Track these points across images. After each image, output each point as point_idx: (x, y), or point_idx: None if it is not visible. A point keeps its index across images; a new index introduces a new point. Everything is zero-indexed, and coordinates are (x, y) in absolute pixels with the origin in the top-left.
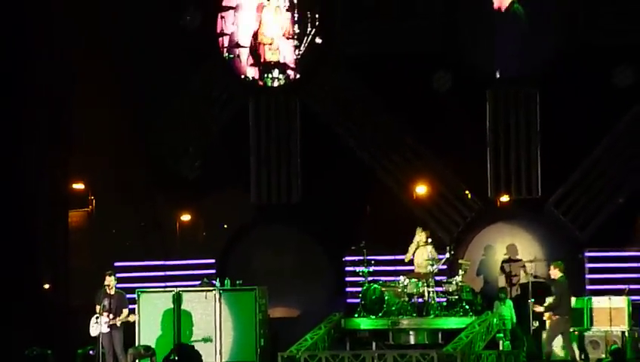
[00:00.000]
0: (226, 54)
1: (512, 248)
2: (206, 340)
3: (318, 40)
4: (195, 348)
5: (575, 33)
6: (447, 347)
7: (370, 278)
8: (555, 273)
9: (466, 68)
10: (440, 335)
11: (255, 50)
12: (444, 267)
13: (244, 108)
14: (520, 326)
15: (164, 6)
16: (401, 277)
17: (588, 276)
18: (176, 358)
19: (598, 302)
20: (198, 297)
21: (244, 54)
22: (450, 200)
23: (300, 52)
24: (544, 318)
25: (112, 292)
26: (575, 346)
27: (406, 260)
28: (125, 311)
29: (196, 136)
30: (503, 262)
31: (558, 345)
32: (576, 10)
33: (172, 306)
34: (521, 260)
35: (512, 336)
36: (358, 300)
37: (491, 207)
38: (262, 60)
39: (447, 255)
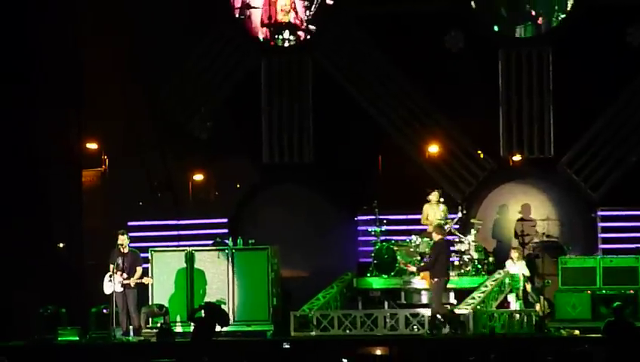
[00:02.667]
0: (238, 15)
1: (525, 208)
2: (220, 302)
3: (328, 0)
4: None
5: None
6: (459, 306)
7: (382, 237)
8: (435, 235)
9: (479, 27)
10: (452, 295)
11: (266, 10)
12: (457, 226)
13: (256, 68)
14: (532, 285)
15: None
16: (413, 237)
17: (600, 235)
18: (203, 315)
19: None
20: (211, 256)
21: (255, 15)
22: (462, 159)
23: (311, 12)
24: (419, 278)
25: (126, 251)
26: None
27: (422, 222)
28: (139, 270)
29: (208, 97)
30: (517, 221)
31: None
32: None
33: (185, 265)
34: (533, 220)
35: (524, 295)
36: (370, 259)
37: (504, 166)
38: (273, 21)
39: (459, 214)
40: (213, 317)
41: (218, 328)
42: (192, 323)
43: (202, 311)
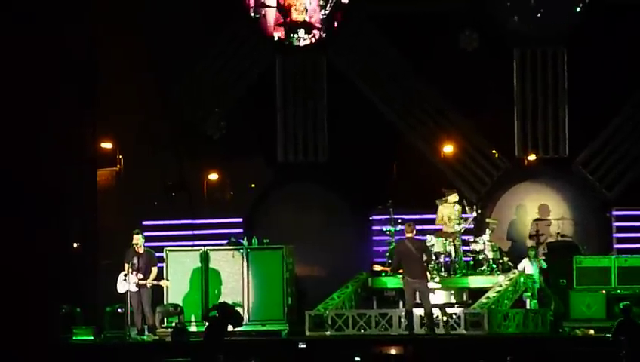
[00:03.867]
0: (252, 14)
1: (543, 208)
2: (236, 304)
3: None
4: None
5: None
6: (474, 306)
7: (396, 237)
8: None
9: (494, 26)
10: (467, 294)
11: (281, 9)
12: (472, 226)
13: (271, 67)
14: (547, 284)
15: None
16: (428, 236)
17: (615, 235)
18: (217, 315)
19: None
20: (226, 256)
21: (270, 14)
22: (477, 159)
23: (326, 11)
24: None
25: (141, 250)
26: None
27: (437, 223)
28: (154, 270)
29: (222, 96)
30: (533, 221)
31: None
32: None
33: (200, 265)
34: (548, 219)
35: (539, 295)
36: (384, 259)
37: (518, 165)
38: (288, 20)
39: (475, 214)
40: (226, 317)
41: (230, 328)
42: (206, 322)
43: (216, 311)
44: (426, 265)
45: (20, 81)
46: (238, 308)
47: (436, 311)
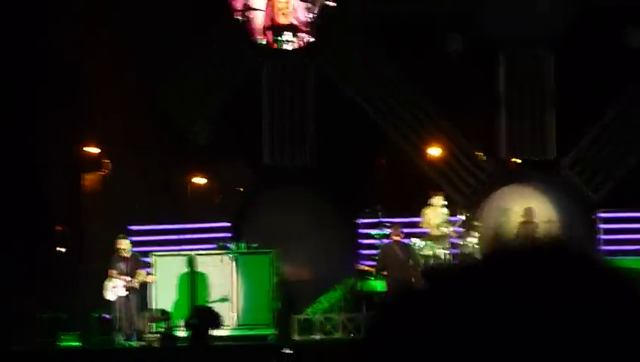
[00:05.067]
0: (239, 17)
1: (528, 211)
2: (223, 300)
3: (331, 3)
4: (213, 308)
5: None
6: None
7: (385, 240)
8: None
9: (479, 29)
10: None
11: (268, 13)
12: (460, 229)
13: (257, 71)
14: None
15: None
16: (416, 240)
17: (602, 237)
18: (197, 321)
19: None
20: (214, 260)
21: (257, 17)
22: (463, 162)
23: (313, 15)
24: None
25: (127, 255)
26: None
27: (421, 225)
28: (142, 273)
29: (208, 100)
30: (520, 223)
31: None
32: None
33: (187, 269)
34: (534, 222)
35: None
36: (373, 263)
37: (505, 168)
38: (274, 23)
39: (462, 217)
40: (204, 321)
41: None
42: (189, 330)
43: (195, 317)
44: (412, 270)
45: (3, 84)
46: (226, 303)
47: None
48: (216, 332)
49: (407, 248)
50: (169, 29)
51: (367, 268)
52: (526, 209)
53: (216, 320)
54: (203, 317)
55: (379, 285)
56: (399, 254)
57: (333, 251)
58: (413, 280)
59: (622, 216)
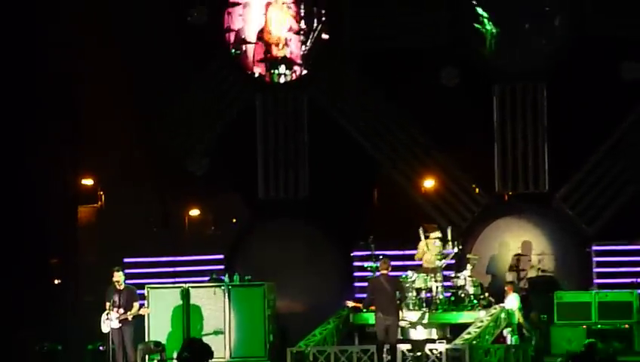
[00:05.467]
0: (233, 50)
1: (526, 244)
2: (217, 333)
3: (324, 35)
4: (206, 341)
5: (582, 27)
6: (456, 341)
7: (377, 273)
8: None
9: (474, 63)
10: (448, 330)
11: (261, 46)
12: (452, 261)
13: (252, 103)
14: (528, 320)
15: (171, 2)
16: (409, 272)
17: (595, 269)
18: (188, 355)
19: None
20: (207, 293)
21: (250, 50)
22: (457, 194)
23: (307, 47)
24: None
25: (122, 287)
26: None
27: (416, 258)
28: (136, 305)
29: (203, 133)
30: (513, 256)
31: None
32: (583, 3)
33: (181, 302)
34: (529, 254)
35: (520, 330)
36: (365, 295)
37: (499, 201)
38: (268, 56)
39: (455, 249)
40: (196, 353)
41: None
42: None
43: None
44: (399, 302)
45: (2, 119)
46: (219, 336)
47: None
48: None
49: (395, 282)
50: (165, 63)
51: (353, 304)
52: (523, 242)
53: (208, 353)
54: (195, 349)
55: (371, 317)
56: (387, 288)
57: (326, 283)
58: (400, 314)
59: (615, 248)
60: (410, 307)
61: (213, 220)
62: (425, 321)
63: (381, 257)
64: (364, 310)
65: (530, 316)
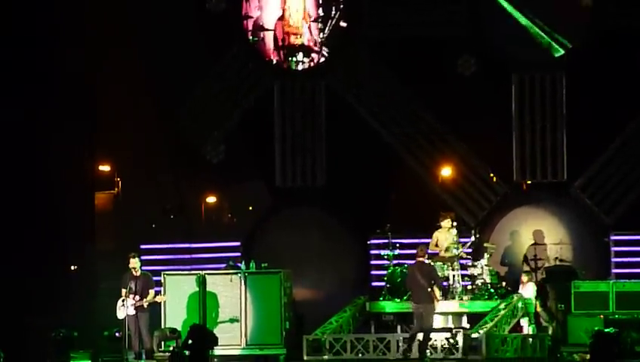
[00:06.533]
0: (251, 37)
1: (538, 233)
2: (233, 320)
3: (342, 23)
4: (222, 328)
5: (602, 17)
6: (472, 330)
7: (395, 261)
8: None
9: (492, 51)
10: (465, 319)
11: (280, 33)
12: (469, 250)
13: (269, 91)
14: (545, 309)
15: None
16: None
17: (613, 259)
18: (193, 342)
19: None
20: (224, 280)
21: (269, 37)
22: (475, 183)
23: (325, 35)
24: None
25: (138, 274)
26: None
27: (430, 250)
28: (152, 292)
29: (221, 120)
30: (529, 246)
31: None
32: None
33: (197, 289)
34: (546, 244)
35: (537, 320)
36: (382, 283)
37: (517, 190)
38: (286, 44)
39: (473, 238)
40: (201, 341)
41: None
42: (187, 352)
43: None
44: (430, 289)
45: (20, 105)
46: (235, 324)
47: (438, 336)
48: (226, 352)
49: (426, 268)
50: (184, 50)
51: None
52: (535, 231)
53: (212, 340)
54: (199, 337)
55: (387, 305)
56: (417, 275)
57: (343, 271)
58: (435, 302)
59: (633, 238)
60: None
61: (229, 208)
62: (441, 310)
63: (397, 245)
64: (405, 297)
65: (548, 306)
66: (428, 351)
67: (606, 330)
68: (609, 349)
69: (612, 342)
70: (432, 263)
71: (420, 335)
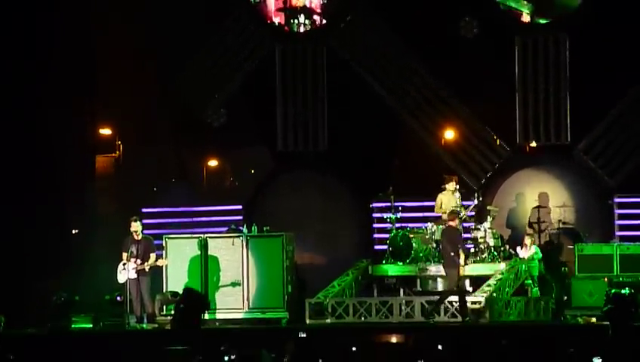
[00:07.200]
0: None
1: (543, 196)
2: (234, 284)
3: None
4: (223, 292)
5: None
6: (476, 293)
7: (397, 225)
8: (452, 222)
9: (494, 13)
10: (468, 282)
11: None
12: (472, 213)
13: (271, 54)
14: (548, 272)
15: None
16: (429, 224)
17: (617, 222)
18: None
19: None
20: (226, 243)
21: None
22: (478, 146)
23: None
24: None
25: (139, 238)
26: None
27: (435, 211)
28: (153, 256)
29: (222, 83)
30: (532, 208)
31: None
32: None
33: (199, 252)
34: (549, 207)
35: (540, 283)
36: (385, 246)
37: (520, 153)
38: (288, 6)
39: (476, 201)
40: (193, 304)
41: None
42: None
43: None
44: (452, 254)
45: (20, 68)
46: (237, 288)
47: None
48: (228, 316)
49: (450, 233)
50: (184, 14)
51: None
52: (540, 193)
53: (203, 304)
54: (191, 300)
55: (390, 269)
56: (444, 240)
57: (345, 235)
58: (458, 266)
59: (638, 201)
60: (430, 259)
61: (231, 171)
62: (444, 273)
63: (400, 208)
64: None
65: (551, 268)
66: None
67: (622, 291)
68: (627, 310)
69: (630, 303)
70: (436, 226)
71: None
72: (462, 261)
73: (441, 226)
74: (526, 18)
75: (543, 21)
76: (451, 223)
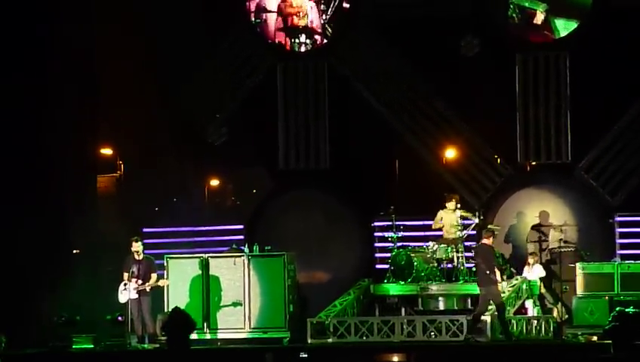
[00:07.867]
0: (254, 19)
1: (543, 214)
2: (236, 304)
3: (345, 4)
4: (225, 311)
5: None
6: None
7: (399, 244)
8: (487, 240)
9: (495, 32)
10: (469, 301)
11: (282, 15)
12: (474, 232)
13: (272, 73)
14: (550, 291)
15: None
16: (430, 243)
17: (618, 241)
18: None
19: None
20: (227, 263)
21: (271, 19)
22: (479, 165)
23: (328, 16)
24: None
25: (140, 257)
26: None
27: (433, 227)
28: (154, 276)
29: (223, 102)
30: (533, 227)
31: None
32: None
33: (200, 272)
34: (550, 225)
35: (542, 302)
36: (387, 266)
37: (521, 171)
38: (289, 25)
39: (477, 220)
40: (179, 325)
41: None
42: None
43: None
44: (488, 272)
45: (21, 86)
46: (238, 307)
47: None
48: (229, 336)
49: (482, 251)
50: (185, 32)
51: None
52: (540, 213)
53: (190, 324)
54: (177, 321)
55: (392, 288)
56: (478, 259)
57: (347, 254)
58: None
59: (639, 219)
60: (432, 278)
61: (233, 190)
62: (446, 292)
63: (402, 227)
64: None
65: (553, 287)
66: (433, 332)
67: (627, 310)
68: (631, 329)
69: (635, 321)
70: (437, 244)
71: (487, 317)
72: (498, 277)
73: (443, 245)
74: (540, 17)
75: (557, 20)
76: (486, 241)
